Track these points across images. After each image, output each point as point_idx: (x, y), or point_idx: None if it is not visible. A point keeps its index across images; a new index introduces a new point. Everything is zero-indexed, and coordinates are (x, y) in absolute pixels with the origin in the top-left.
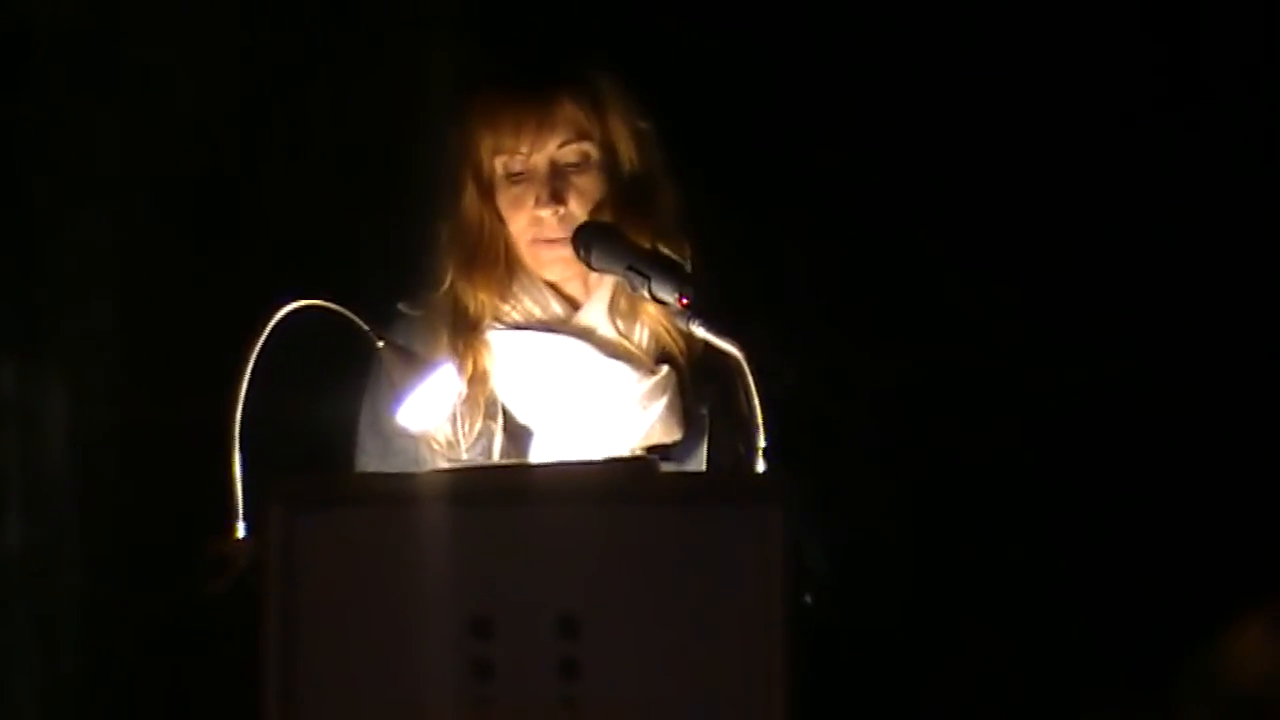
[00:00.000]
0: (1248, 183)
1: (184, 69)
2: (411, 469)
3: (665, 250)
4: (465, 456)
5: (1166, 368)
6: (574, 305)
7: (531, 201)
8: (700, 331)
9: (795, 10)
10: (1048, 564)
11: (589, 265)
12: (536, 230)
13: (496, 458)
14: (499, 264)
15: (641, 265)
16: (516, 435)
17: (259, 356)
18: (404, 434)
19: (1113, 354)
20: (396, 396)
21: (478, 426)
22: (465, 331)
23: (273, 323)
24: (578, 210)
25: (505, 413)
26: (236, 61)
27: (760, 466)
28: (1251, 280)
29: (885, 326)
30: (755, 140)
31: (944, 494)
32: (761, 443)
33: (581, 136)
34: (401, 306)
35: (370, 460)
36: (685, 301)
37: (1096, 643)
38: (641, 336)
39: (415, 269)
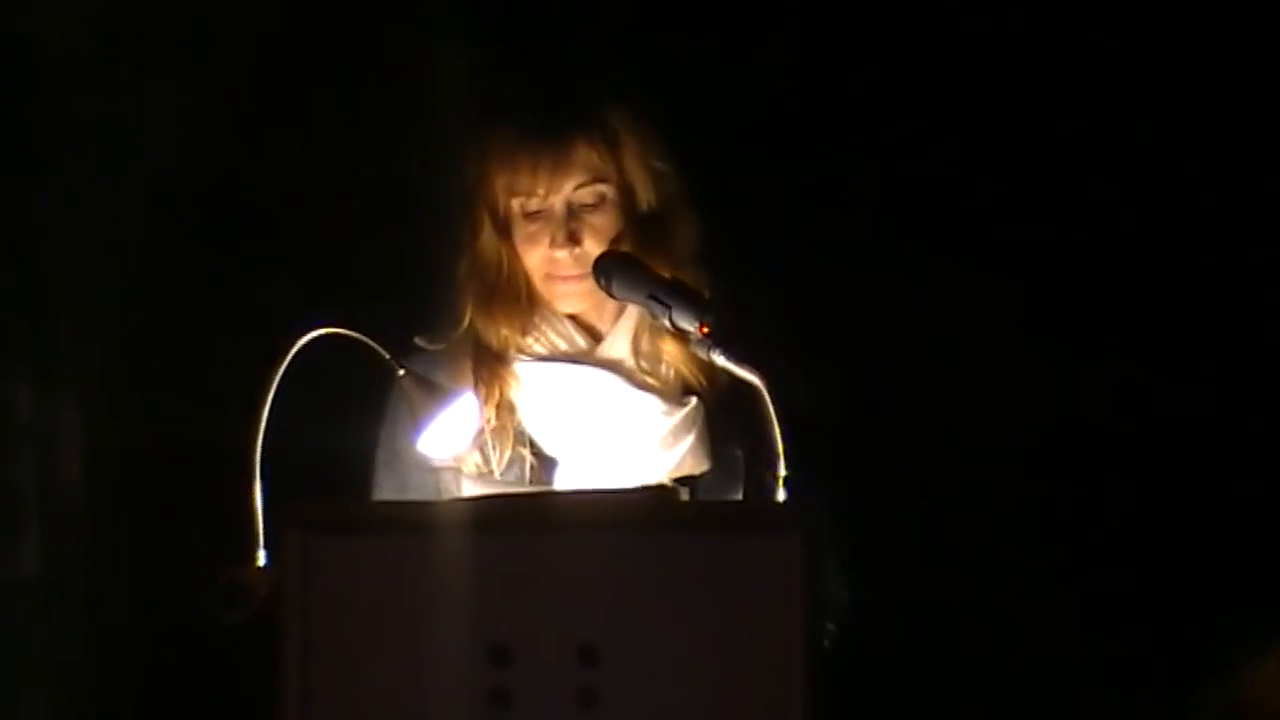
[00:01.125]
0: (1250, 187)
1: (195, 84)
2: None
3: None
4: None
5: (1185, 377)
6: (595, 337)
7: (547, 241)
8: (721, 360)
9: (801, 23)
10: (1066, 585)
11: (610, 294)
12: (551, 268)
13: (528, 486)
14: (519, 299)
15: (662, 294)
16: (543, 466)
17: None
18: (423, 469)
19: (1128, 364)
20: (417, 425)
21: (508, 454)
22: (490, 362)
23: (294, 350)
24: (593, 250)
25: (532, 443)
26: (247, 72)
27: (781, 495)
28: (1257, 284)
29: (890, 336)
30: (759, 154)
31: (956, 508)
32: (783, 471)
33: (598, 179)
34: (419, 341)
35: (385, 498)
36: (706, 330)
37: (1114, 663)
38: (666, 368)
39: (429, 286)
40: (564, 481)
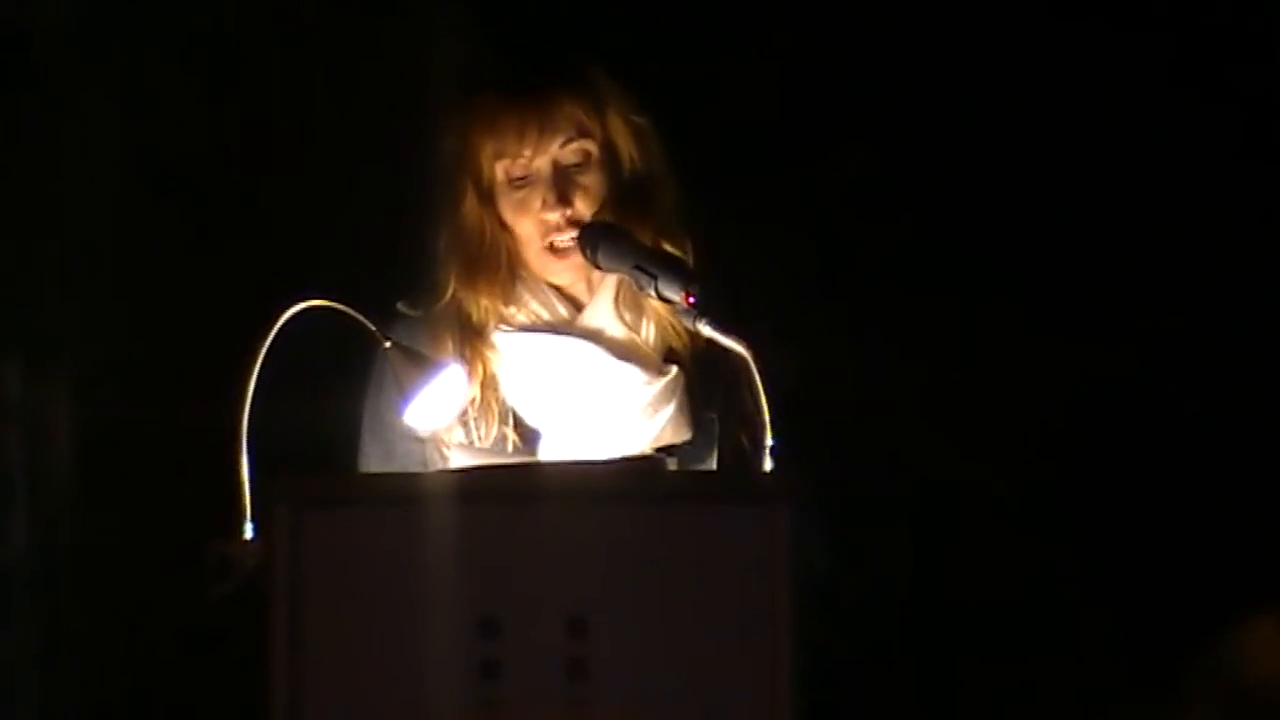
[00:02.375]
0: (1251, 185)
1: (184, 68)
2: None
3: (668, 247)
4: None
5: (1176, 367)
6: (578, 306)
7: (538, 204)
8: (706, 330)
9: (801, 11)
10: (1055, 560)
11: (596, 265)
12: (543, 231)
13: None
14: (501, 269)
15: (648, 264)
16: (526, 438)
17: (265, 357)
18: (409, 437)
19: (1119, 352)
20: (404, 397)
21: (494, 431)
22: (471, 337)
23: (280, 323)
24: (584, 210)
25: (516, 419)
26: (237, 60)
27: (767, 465)
28: (1258, 281)
29: (887, 326)
30: (760, 139)
31: (947, 491)
32: (769, 441)
33: (583, 134)
34: (401, 306)
35: (373, 466)
36: (692, 299)
37: (1105, 639)
38: (648, 334)
39: (416, 267)
40: (547, 454)
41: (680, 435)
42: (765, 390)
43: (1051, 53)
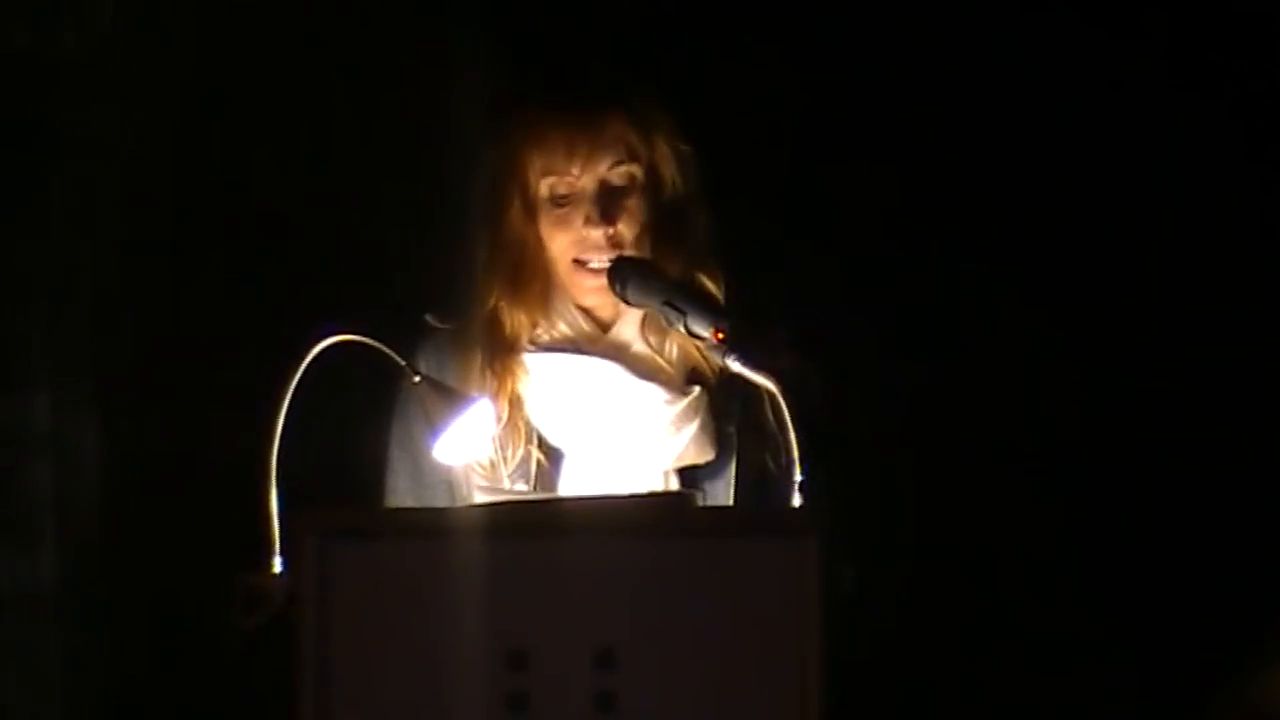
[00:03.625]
0: (1255, 186)
1: (210, 91)
2: (444, 496)
3: (702, 279)
4: (506, 481)
5: (1201, 384)
6: (604, 329)
7: (580, 221)
8: (735, 366)
9: (817, 25)
10: (1078, 589)
11: (625, 300)
12: (580, 249)
13: (534, 481)
14: (539, 284)
15: (677, 300)
16: (550, 457)
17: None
18: (437, 463)
19: (1139, 368)
20: (433, 431)
21: (520, 452)
22: (502, 354)
23: (309, 357)
24: (625, 230)
25: (540, 440)
26: (262, 81)
27: (797, 500)
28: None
29: (905, 344)
30: (779, 158)
31: (967, 514)
32: (799, 476)
33: (631, 158)
34: (429, 318)
35: (400, 484)
36: (721, 336)
37: (1130, 668)
38: (671, 353)
39: (443, 286)
40: (570, 474)
41: (703, 455)
42: (794, 425)
43: (1063, 62)
